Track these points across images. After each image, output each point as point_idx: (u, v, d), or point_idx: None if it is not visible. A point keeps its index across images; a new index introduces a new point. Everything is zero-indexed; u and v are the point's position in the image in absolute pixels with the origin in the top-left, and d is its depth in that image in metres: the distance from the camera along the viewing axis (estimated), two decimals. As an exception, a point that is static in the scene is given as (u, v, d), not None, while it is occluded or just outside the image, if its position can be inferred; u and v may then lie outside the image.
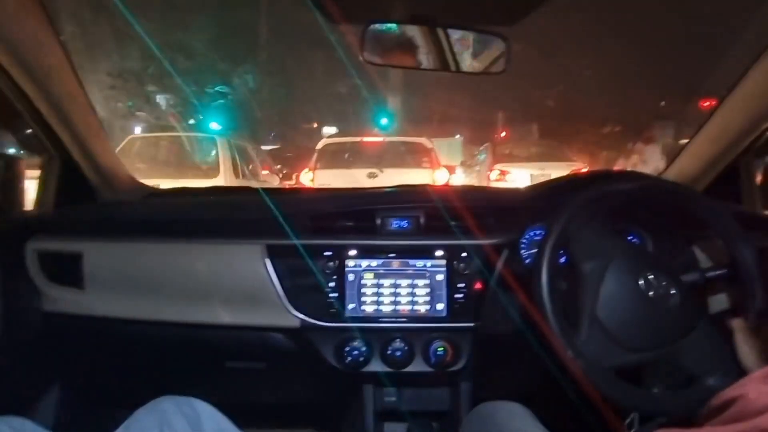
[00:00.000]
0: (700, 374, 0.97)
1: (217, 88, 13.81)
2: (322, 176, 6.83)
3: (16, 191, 1.36)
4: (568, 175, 1.42)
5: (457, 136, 20.05)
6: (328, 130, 22.78)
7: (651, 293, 0.98)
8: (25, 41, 1.07)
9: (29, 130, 1.28)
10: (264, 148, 12.05)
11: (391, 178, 6.21)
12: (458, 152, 16.88)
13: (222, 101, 13.69)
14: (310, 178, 6.95)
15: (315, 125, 21.85)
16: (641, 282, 0.99)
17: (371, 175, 6.72)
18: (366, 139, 7.55)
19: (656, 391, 0.97)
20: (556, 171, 7.47)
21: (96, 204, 1.46)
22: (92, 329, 1.31)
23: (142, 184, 1.68)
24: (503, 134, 29.69)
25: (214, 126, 11.31)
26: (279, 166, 11.26)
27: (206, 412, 0.94)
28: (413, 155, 7.19)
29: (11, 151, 1.39)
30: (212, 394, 1.00)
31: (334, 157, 7.12)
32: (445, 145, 16.93)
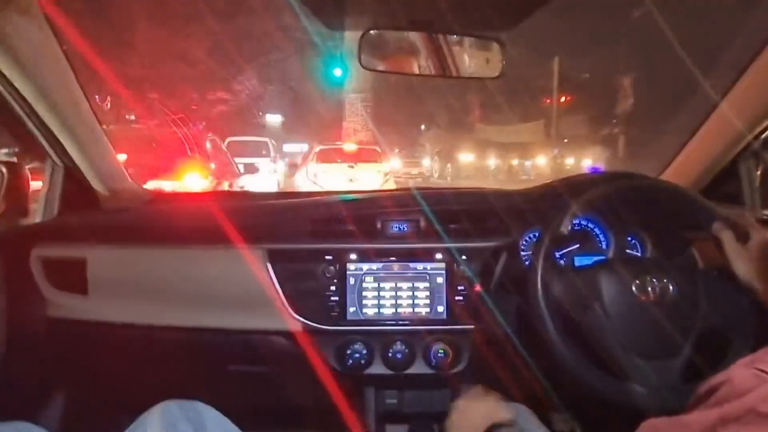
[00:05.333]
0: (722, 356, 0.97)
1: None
2: (319, 167, 10.19)
3: (21, 199, 1.38)
4: (565, 177, 1.43)
5: None
6: (272, 118, 20.29)
7: (650, 297, 0.99)
8: (28, 51, 1.09)
9: (33, 139, 1.30)
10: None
11: (361, 167, 10.10)
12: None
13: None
14: (312, 169, 10.26)
15: (260, 113, 19.95)
16: (634, 289, 1.00)
17: (350, 166, 10.15)
18: (345, 147, 11.41)
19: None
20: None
21: (99, 210, 1.48)
22: (96, 334, 1.33)
23: (145, 190, 1.69)
24: (562, 99, 19.67)
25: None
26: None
27: (211, 416, 0.95)
28: (372, 155, 10.81)
29: (15, 159, 1.40)
30: (215, 397, 1.01)
31: (327, 156, 10.58)
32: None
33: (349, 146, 11.43)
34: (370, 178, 9.90)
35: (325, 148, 11.17)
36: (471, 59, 1.21)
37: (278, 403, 1.53)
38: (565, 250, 1.35)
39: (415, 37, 1.21)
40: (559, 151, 18.45)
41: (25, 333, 1.27)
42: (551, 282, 1.05)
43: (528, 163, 19.10)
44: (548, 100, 19.82)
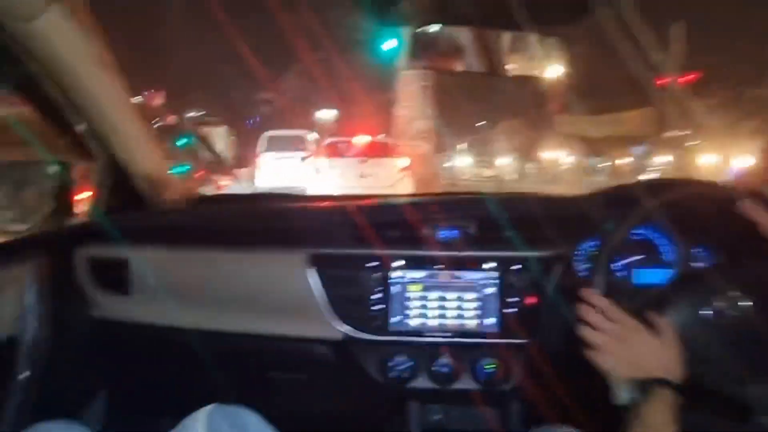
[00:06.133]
0: None
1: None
2: (327, 161, 9.48)
3: (69, 198, 1.39)
4: (628, 183, 1.34)
5: None
6: (325, 113, 18.82)
7: (732, 314, 0.90)
8: (73, 52, 1.09)
9: (81, 139, 1.31)
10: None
11: (374, 162, 9.32)
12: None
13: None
14: (319, 163, 9.59)
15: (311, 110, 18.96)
16: (715, 310, 0.91)
17: (362, 161, 9.33)
18: (355, 139, 10.37)
19: None
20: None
21: (144, 211, 1.48)
22: (138, 336, 1.32)
23: (191, 191, 1.69)
24: (685, 78, 13.08)
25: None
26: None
27: (253, 421, 0.93)
28: (385, 149, 9.84)
29: (64, 159, 1.41)
30: (255, 403, 0.98)
31: (335, 150, 9.87)
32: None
33: (360, 139, 10.42)
34: (384, 173, 9.13)
35: (334, 141, 10.49)
36: (526, 56, 1.15)
37: (319, 412, 1.50)
38: (624, 262, 1.26)
39: (465, 32, 1.15)
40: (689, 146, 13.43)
41: (70, 332, 1.28)
42: (610, 296, 0.98)
43: (661, 159, 13.51)
44: (663, 81, 13.46)
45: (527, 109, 16.54)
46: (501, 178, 15.98)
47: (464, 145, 17.34)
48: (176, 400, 1.05)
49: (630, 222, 1.03)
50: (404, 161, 9.65)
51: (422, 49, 1.11)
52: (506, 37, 1.16)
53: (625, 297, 1.02)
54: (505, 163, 17.07)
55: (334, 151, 9.82)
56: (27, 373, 1.13)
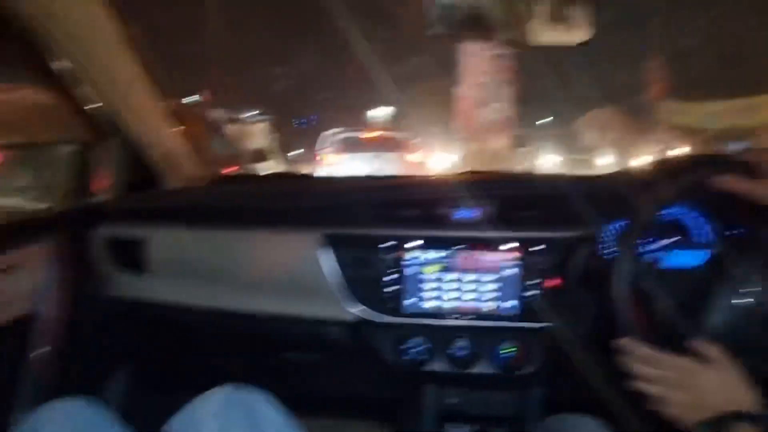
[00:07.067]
0: None
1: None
2: (342, 158, 9.40)
3: (84, 179, 1.39)
4: (658, 161, 1.26)
5: None
6: (380, 111, 17.30)
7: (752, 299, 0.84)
8: (84, 26, 1.07)
9: (95, 119, 1.30)
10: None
11: (386, 157, 9.09)
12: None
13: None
14: (332, 159, 9.51)
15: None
16: (743, 301, 0.85)
17: (376, 156, 9.13)
18: (367, 135, 10.34)
19: None
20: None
21: (161, 190, 1.47)
22: (155, 315, 1.32)
23: (207, 171, 1.68)
24: None
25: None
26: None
27: (264, 402, 0.92)
28: (396, 144, 9.74)
29: (81, 139, 1.41)
30: (269, 384, 0.97)
31: (349, 144, 9.72)
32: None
33: (370, 133, 10.16)
34: (395, 170, 8.68)
35: (344, 137, 10.07)
36: (553, 24, 1.07)
37: (333, 393, 1.49)
38: (654, 245, 1.20)
39: (489, 2, 1.08)
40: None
41: (87, 310, 1.29)
42: (639, 279, 0.93)
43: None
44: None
45: (620, 94, 12.93)
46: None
47: (546, 141, 13.54)
48: (193, 379, 1.04)
49: (658, 201, 0.98)
50: (416, 156, 9.44)
51: (440, 18, 1.05)
52: (543, 8, 1.09)
53: (655, 281, 0.97)
54: (607, 162, 12.89)
55: (345, 147, 9.54)
56: (44, 351, 1.14)
